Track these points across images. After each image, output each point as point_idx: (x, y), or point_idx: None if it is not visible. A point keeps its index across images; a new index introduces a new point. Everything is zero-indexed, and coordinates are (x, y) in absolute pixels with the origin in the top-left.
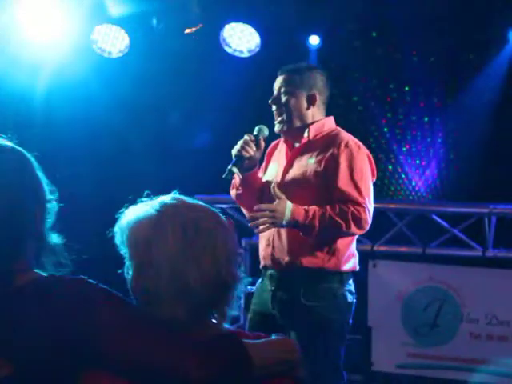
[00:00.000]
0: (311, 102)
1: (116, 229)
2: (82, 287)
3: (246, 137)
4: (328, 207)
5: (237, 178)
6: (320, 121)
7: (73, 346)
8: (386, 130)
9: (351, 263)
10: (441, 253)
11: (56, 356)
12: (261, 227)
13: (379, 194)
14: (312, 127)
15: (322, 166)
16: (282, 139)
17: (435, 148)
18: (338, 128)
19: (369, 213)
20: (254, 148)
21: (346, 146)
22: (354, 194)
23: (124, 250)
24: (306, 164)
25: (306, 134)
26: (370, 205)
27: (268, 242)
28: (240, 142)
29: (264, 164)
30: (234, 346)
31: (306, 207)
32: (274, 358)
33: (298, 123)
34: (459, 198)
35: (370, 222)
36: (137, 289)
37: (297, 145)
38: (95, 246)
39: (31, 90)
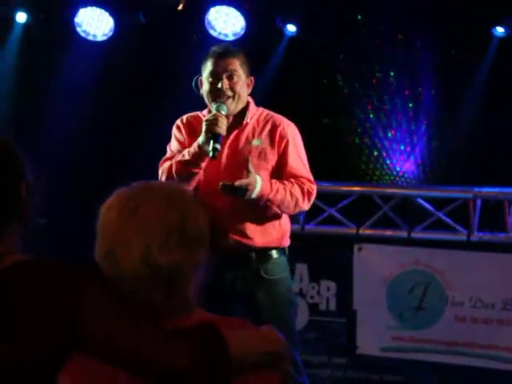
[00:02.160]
0: (251, 86)
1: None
2: (65, 271)
3: (216, 113)
4: (287, 183)
5: (199, 158)
6: (250, 103)
7: (54, 331)
8: (371, 115)
9: (289, 239)
10: (426, 236)
11: (38, 341)
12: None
13: (363, 178)
14: (249, 110)
15: (270, 148)
16: (203, 116)
17: (420, 133)
18: (266, 109)
19: (316, 191)
20: (225, 122)
21: (288, 125)
22: (304, 171)
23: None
24: (250, 146)
25: (246, 118)
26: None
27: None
28: (212, 119)
29: (187, 140)
30: (213, 337)
31: (269, 181)
32: (255, 349)
33: (240, 106)
34: (444, 182)
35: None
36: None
37: (235, 128)
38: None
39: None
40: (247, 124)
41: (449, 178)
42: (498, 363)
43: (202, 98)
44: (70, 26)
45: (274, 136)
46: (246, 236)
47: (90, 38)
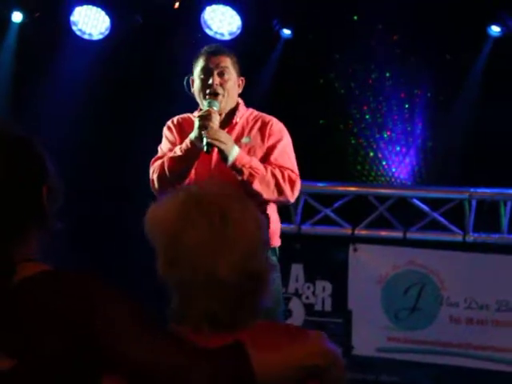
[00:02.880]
0: (241, 87)
1: (145, 219)
2: (88, 284)
3: (209, 109)
4: (267, 165)
5: (191, 154)
6: (240, 103)
7: (74, 344)
8: (367, 116)
9: (279, 239)
10: (421, 237)
11: (59, 353)
12: (214, 141)
13: (359, 178)
14: (239, 110)
15: (260, 143)
16: (193, 118)
17: (415, 134)
18: (251, 108)
19: (299, 184)
20: (218, 118)
21: (277, 123)
22: (289, 164)
23: (152, 241)
24: (241, 144)
25: (236, 117)
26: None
27: None
28: (206, 114)
29: (178, 140)
30: (236, 358)
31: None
32: (291, 365)
33: (231, 105)
34: (439, 183)
35: (298, 192)
36: (169, 284)
37: (225, 127)
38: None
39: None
40: (237, 123)
41: (444, 178)
42: (492, 364)
43: (194, 98)
44: (66, 25)
45: (264, 133)
46: None
47: (86, 36)
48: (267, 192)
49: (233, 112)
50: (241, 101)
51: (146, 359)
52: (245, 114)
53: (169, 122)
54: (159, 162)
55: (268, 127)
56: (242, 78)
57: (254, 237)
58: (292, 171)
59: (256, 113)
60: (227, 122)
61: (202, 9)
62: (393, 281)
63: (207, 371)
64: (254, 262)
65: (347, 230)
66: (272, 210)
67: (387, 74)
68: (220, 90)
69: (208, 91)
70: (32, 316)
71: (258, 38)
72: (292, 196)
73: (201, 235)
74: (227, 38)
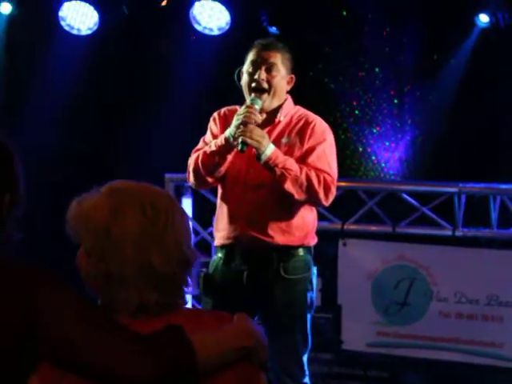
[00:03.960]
0: (290, 85)
1: (69, 217)
2: (34, 275)
3: (249, 105)
4: (303, 166)
5: (225, 150)
6: (286, 101)
7: (16, 333)
8: (356, 111)
9: (315, 237)
10: (411, 231)
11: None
12: (247, 139)
13: (348, 173)
14: (284, 108)
15: (297, 146)
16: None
17: (405, 129)
18: (302, 108)
19: (335, 188)
20: (259, 116)
21: (320, 125)
22: (326, 167)
23: (78, 238)
24: (279, 144)
25: (278, 114)
26: (336, 183)
27: (236, 217)
28: (245, 111)
29: (220, 132)
30: (178, 342)
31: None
32: (227, 347)
33: (276, 103)
34: (429, 178)
35: (333, 197)
36: (98, 274)
37: (268, 125)
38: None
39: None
40: (280, 121)
41: (434, 173)
42: (482, 359)
43: (203, 91)
44: (55, 20)
45: (305, 133)
46: (266, 234)
47: (75, 32)
48: (299, 193)
49: (278, 109)
50: (289, 98)
51: (91, 349)
52: (290, 112)
53: (215, 114)
54: (196, 154)
55: (310, 128)
56: (292, 75)
57: (183, 225)
58: (328, 175)
59: (302, 111)
60: (271, 119)
61: (191, 4)
62: (382, 275)
63: (152, 358)
64: (186, 250)
65: (337, 225)
66: (307, 210)
67: (376, 70)
68: (265, 85)
69: (253, 85)
70: None
71: (247, 33)
72: (326, 200)
73: (133, 226)
74: (216, 33)
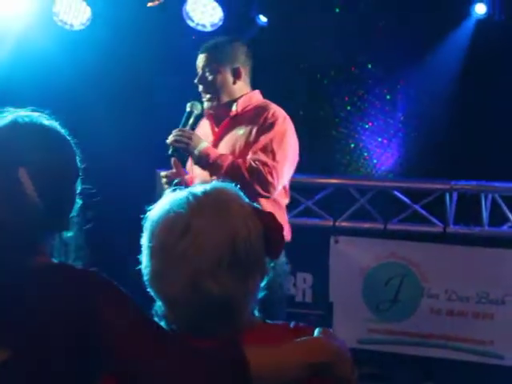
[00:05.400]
0: (236, 75)
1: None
2: (91, 280)
3: (177, 132)
4: (240, 159)
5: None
6: (247, 94)
7: (70, 338)
8: (348, 107)
9: (285, 233)
10: (402, 229)
11: (57, 348)
12: (173, 141)
13: (338, 169)
14: (240, 101)
15: (252, 136)
16: (204, 117)
17: (397, 125)
18: (267, 101)
19: (276, 177)
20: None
21: (273, 115)
22: (268, 157)
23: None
24: (236, 136)
25: (234, 108)
26: (281, 172)
27: None
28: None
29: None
30: (232, 361)
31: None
32: (289, 363)
33: (226, 99)
34: (421, 175)
35: (276, 187)
36: None
37: (224, 120)
38: None
39: None
40: (236, 114)
41: (425, 170)
42: (472, 356)
43: (179, 87)
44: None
45: (257, 124)
46: None
47: (67, 27)
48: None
49: (233, 103)
50: (253, 92)
51: (143, 361)
52: (250, 104)
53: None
54: None
55: (262, 118)
56: (235, 66)
57: (213, 255)
58: (265, 165)
59: (264, 103)
60: (227, 113)
61: (184, 0)
62: (374, 273)
63: (202, 372)
64: (208, 283)
65: (328, 222)
66: (268, 202)
67: (369, 66)
68: (200, 88)
69: (199, 89)
70: (34, 309)
71: (241, 29)
72: (265, 190)
73: (162, 241)
74: (209, 29)
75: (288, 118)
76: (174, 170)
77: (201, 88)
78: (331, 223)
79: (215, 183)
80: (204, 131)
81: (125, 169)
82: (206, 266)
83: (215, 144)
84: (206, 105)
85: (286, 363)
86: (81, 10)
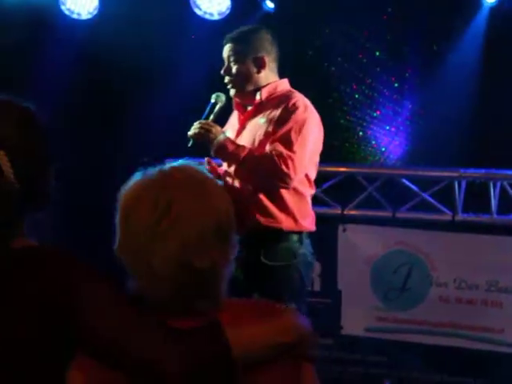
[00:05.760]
0: (260, 65)
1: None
2: (68, 264)
3: (197, 124)
4: (256, 150)
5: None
6: (273, 83)
7: (50, 321)
8: (357, 95)
9: (308, 222)
10: (410, 217)
11: (34, 328)
12: (193, 134)
13: (347, 157)
14: (264, 89)
15: (271, 126)
16: (234, 105)
17: (405, 113)
18: (293, 90)
19: (292, 168)
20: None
21: (294, 104)
22: (285, 147)
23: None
24: (257, 124)
25: (257, 96)
26: (299, 162)
27: None
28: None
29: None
30: (214, 339)
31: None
32: (263, 343)
33: (251, 87)
34: (429, 163)
35: (293, 177)
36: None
37: (249, 108)
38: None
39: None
40: (260, 103)
41: (434, 158)
42: (481, 344)
43: (204, 78)
44: (55, 4)
45: (278, 113)
46: (248, 217)
47: (75, 16)
48: (250, 177)
49: (256, 92)
50: (280, 81)
51: (119, 338)
52: (275, 93)
53: None
54: None
55: (282, 107)
56: (258, 55)
57: (197, 229)
58: (281, 156)
59: (288, 93)
60: (251, 101)
61: None
62: (382, 261)
63: (179, 351)
64: (192, 255)
65: (336, 211)
66: (289, 193)
67: (377, 53)
68: (226, 79)
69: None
70: (10, 292)
71: (248, 18)
72: (281, 181)
73: (141, 221)
74: (216, 17)
75: (310, 107)
76: (207, 167)
77: (227, 79)
78: (339, 211)
79: (181, 161)
80: (233, 120)
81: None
82: (193, 240)
83: (239, 132)
84: (231, 92)
85: (262, 344)
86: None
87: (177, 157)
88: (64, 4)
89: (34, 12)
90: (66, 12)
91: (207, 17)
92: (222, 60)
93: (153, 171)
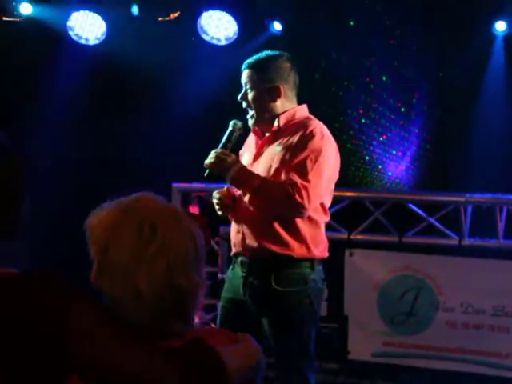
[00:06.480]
0: (276, 94)
1: (84, 226)
2: (53, 285)
3: (213, 154)
4: (269, 180)
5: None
6: (291, 110)
7: (39, 349)
8: (363, 120)
9: (321, 250)
10: (417, 241)
11: (22, 358)
12: (208, 161)
13: (353, 181)
14: (282, 116)
15: (288, 154)
16: (252, 130)
17: (412, 138)
18: (311, 116)
19: (306, 197)
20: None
21: (311, 132)
22: (299, 176)
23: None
24: (274, 151)
25: (275, 123)
26: (314, 192)
27: (238, 228)
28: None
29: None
30: (210, 355)
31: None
32: (242, 365)
33: (267, 116)
34: (436, 188)
35: (307, 207)
36: (98, 290)
37: (267, 134)
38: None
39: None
40: (277, 130)
41: (440, 183)
42: (488, 369)
43: (212, 102)
44: (63, 30)
45: (296, 138)
46: (261, 244)
47: (83, 41)
48: (263, 207)
49: (274, 119)
50: (298, 108)
51: (114, 362)
52: (293, 120)
53: None
54: None
55: (299, 135)
56: (274, 84)
57: (184, 251)
58: (295, 185)
59: (306, 120)
60: (268, 130)
61: (199, 14)
62: (389, 285)
63: (177, 368)
64: (179, 278)
65: (343, 235)
66: (303, 221)
67: (384, 78)
68: (244, 104)
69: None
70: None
71: (255, 43)
72: (295, 212)
73: (125, 247)
74: (223, 43)
75: (327, 134)
76: (225, 192)
77: (244, 104)
78: (346, 236)
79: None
80: (251, 143)
81: (141, 182)
82: (180, 262)
83: (256, 158)
84: (249, 121)
85: (241, 365)
86: (96, 25)
87: (183, 181)
88: (72, 30)
89: (43, 37)
90: (74, 37)
91: (214, 42)
92: (230, 84)
93: (117, 204)
